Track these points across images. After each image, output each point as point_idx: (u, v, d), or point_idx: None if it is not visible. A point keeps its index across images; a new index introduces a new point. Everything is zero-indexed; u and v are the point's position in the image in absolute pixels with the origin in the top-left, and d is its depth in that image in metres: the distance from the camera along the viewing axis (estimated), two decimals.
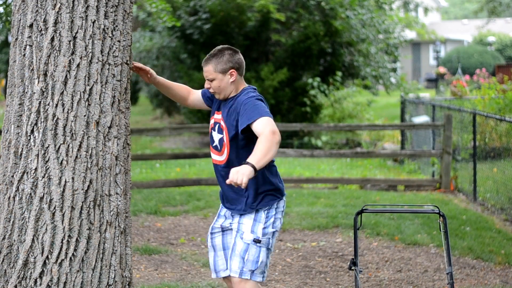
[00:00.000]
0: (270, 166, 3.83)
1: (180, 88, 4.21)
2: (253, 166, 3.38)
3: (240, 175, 3.33)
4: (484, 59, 34.45)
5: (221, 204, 4.01)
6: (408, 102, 14.78)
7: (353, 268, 3.84)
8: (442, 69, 30.68)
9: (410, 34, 31.53)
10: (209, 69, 3.80)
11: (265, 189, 3.80)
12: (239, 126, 3.67)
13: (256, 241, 3.76)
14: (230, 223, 3.91)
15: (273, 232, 3.83)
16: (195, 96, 4.16)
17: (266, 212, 3.80)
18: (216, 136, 3.86)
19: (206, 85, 3.85)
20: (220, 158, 3.84)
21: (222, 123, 3.82)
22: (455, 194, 9.91)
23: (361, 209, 4.10)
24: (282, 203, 3.89)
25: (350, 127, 12.47)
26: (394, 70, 19.51)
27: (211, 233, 3.99)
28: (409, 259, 6.16)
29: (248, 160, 3.42)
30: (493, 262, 6.13)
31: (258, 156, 3.43)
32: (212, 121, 3.92)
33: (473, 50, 35.64)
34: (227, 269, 3.93)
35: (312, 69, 16.41)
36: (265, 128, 3.54)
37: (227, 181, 3.39)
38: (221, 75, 3.78)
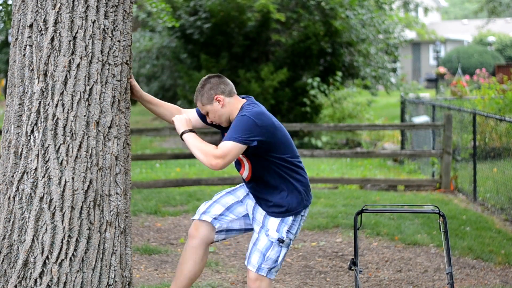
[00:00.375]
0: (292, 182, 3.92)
1: (169, 108, 4.14)
2: (182, 134, 3.77)
3: (177, 122, 3.83)
4: (484, 59, 34.44)
5: (245, 188, 4.10)
6: (408, 102, 14.78)
7: (353, 268, 3.84)
8: (442, 69, 30.68)
9: (410, 34, 31.53)
10: (199, 105, 3.92)
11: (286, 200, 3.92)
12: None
13: (280, 240, 3.88)
14: (253, 211, 4.00)
15: (294, 236, 3.97)
16: (190, 117, 4.07)
17: (293, 216, 3.92)
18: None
19: (208, 120, 3.96)
20: (243, 175, 3.97)
21: None
22: (455, 194, 9.91)
23: (361, 209, 4.10)
24: (307, 211, 4.02)
25: (350, 127, 12.47)
26: (394, 70, 19.52)
27: (227, 192, 4.10)
28: (409, 259, 6.16)
29: (192, 133, 3.77)
30: (493, 262, 6.13)
31: (193, 143, 3.72)
32: None
33: (473, 50, 35.64)
34: (213, 218, 4.01)
35: (312, 69, 16.42)
36: (217, 150, 3.67)
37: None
38: (209, 105, 3.86)
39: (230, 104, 3.85)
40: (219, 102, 3.84)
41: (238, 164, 3.99)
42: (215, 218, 4.03)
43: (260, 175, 3.88)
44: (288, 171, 3.89)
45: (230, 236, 4.13)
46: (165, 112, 4.11)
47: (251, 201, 4.05)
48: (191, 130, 3.81)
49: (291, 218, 3.91)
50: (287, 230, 3.90)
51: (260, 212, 3.97)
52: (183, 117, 3.86)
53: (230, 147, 3.65)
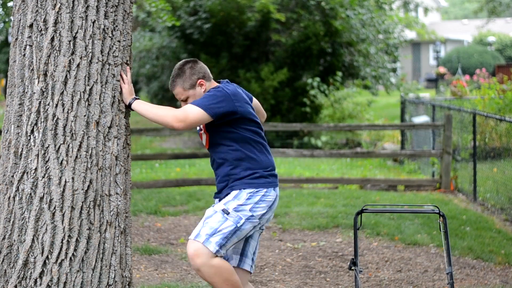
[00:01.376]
0: (248, 157, 3.79)
1: None
2: (130, 104, 3.66)
3: (123, 89, 3.64)
4: (484, 59, 34.44)
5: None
6: (408, 102, 14.78)
7: (353, 268, 3.84)
8: (442, 69, 30.68)
9: (410, 34, 31.53)
10: (179, 90, 3.83)
11: (246, 174, 3.77)
12: None
13: (225, 211, 3.70)
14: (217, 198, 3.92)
15: (249, 216, 3.72)
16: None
17: (249, 194, 3.74)
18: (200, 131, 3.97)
19: (182, 105, 3.80)
20: (203, 141, 3.93)
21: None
22: (455, 194, 9.91)
23: (361, 209, 4.10)
24: (272, 194, 3.81)
25: (350, 127, 12.47)
26: (394, 70, 19.52)
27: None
28: (409, 259, 6.16)
29: (140, 100, 3.67)
30: (493, 262, 6.13)
31: (146, 106, 3.66)
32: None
33: (473, 50, 35.63)
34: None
35: (312, 69, 16.42)
36: (179, 112, 3.65)
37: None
38: (191, 90, 3.81)
39: (209, 88, 3.84)
40: (201, 86, 3.82)
41: (203, 142, 3.94)
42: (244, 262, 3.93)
43: (215, 147, 3.83)
44: (247, 146, 3.81)
45: (250, 253, 4.00)
46: None
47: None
48: (137, 98, 3.70)
49: (243, 193, 3.72)
50: (239, 204, 3.70)
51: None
52: (129, 87, 3.69)
53: (192, 108, 3.65)
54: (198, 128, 3.92)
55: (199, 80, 3.81)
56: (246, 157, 3.78)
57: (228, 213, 3.68)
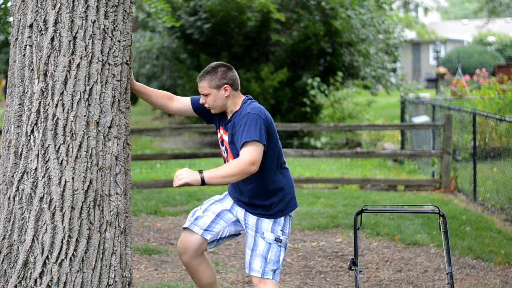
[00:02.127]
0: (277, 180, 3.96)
1: (160, 95, 4.13)
2: (202, 179, 3.65)
3: (182, 177, 3.64)
4: (484, 59, 34.44)
5: (231, 197, 4.09)
6: (408, 102, 14.78)
7: (353, 268, 3.84)
8: (442, 69, 30.67)
9: (410, 34, 31.52)
10: (204, 85, 3.90)
11: (280, 199, 3.95)
12: (237, 146, 3.81)
13: (277, 240, 3.89)
14: (245, 217, 3.99)
15: (287, 237, 3.99)
16: (181, 104, 4.11)
17: (283, 217, 3.95)
18: (224, 152, 4.02)
19: (202, 100, 3.95)
20: None
21: (226, 138, 3.95)
22: (455, 194, 9.91)
23: (361, 209, 4.10)
24: (293, 212, 4.08)
25: (350, 127, 12.47)
26: (394, 70, 19.52)
27: (215, 201, 4.08)
28: (409, 259, 6.16)
29: (205, 170, 3.69)
30: (493, 262, 6.13)
31: (218, 173, 3.69)
32: (218, 135, 4.04)
33: (473, 50, 35.63)
34: (204, 230, 4.00)
35: (312, 69, 16.42)
36: (247, 156, 3.69)
37: (175, 184, 3.67)
38: (215, 90, 3.88)
39: (232, 97, 3.91)
40: (225, 91, 3.88)
41: (225, 161, 4.02)
42: (205, 230, 4.00)
43: (254, 175, 3.84)
44: (277, 172, 3.94)
45: (222, 242, 4.13)
46: (157, 100, 4.12)
47: (239, 209, 4.04)
48: (201, 171, 3.72)
49: (282, 218, 3.94)
50: (281, 230, 3.92)
51: (252, 217, 3.97)
52: (184, 172, 3.71)
53: (255, 147, 3.71)
54: (223, 147, 3.99)
55: (226, 85, 3.88)
56: None
57: (280, 240, 3.92)
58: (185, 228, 4.05)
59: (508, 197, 8.38)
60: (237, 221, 4.07)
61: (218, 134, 4.04)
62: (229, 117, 3.95)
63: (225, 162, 3.99)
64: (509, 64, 28.55)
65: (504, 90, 13.21)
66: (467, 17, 58.43)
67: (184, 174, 3.65)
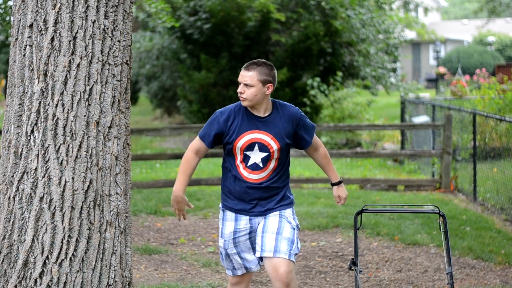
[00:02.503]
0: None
1: (194, 168, 4.13)
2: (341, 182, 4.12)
3: (345, 199, 4.11)
4: (484, 59, 34.43)
5: (231, 220, 4.00)
6: (408, 102, 14.78)
7: (353, 268, 3.84)
8: (442, 69, 30.67)
9: (410, 34, 31.52)
10: (252, 75, 3.85)
11: (289, 192, 4.10)
12: (307, 139, 4.00)
13: (296, 227, 4.00)
14: (265, 215, 3.99)
15: None
16: (201, 155, 4.10)
17: (292, 209, 4.07)
18: (257, 155, 3.91)
19: (240, 89, 3.87)
20: (257, 176, 3.92)
21: (268, 139, 3.89)
22: (455, 194, 9.91)
23: (361, 209, 4.10)
24: None
25: (350, 127, 12.46)
26: (394, 70, 19.51)
27: (234, 238, 3.97)
28: (409, 259, 6.16)
29: (337, 180, 4.10)
30: (493, 262, 6.13)
31: (335, 170, 4.14)
32: (241, 143, 3.90)
33: (473, 50, 35.62)
34: (245, 268, 4.01)
35: (312, 69, 16.41)
36: (320, 144, 4.10)
37: (341, 203, 4.09)
38: (261, 84, 3.85)
39: (267, 97, 3.92)
40: (267, 90, 3.88)
41: (261, 166, 3.92)
42: (246, 267, 4.02)
43: (280, 170, 3.95)
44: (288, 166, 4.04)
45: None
46: (194, 170, 4.15)
47: (259, 218, 3.99)
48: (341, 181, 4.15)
49: (291, 209, 4.06)
50: (294, 218, 4.03)
51: (274, 212, 4.00)
52: (343, 192, 4.15)
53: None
54: (257, 161, 3.93)
55: (271, 84, 3.89)
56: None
57: (299, 229, 4.05)
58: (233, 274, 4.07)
59: (508, 197, 8.38)
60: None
61: (243, 139, 3.90)
62: (263, 115, 3.91)
63: (245, 163, 3.90)
64: (509, 64, 28.55)
65: (504, 90, 13.20)
66: (467, 17, 58.43)
67: (345, 194, 4.13)
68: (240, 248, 3.98)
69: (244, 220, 3.96)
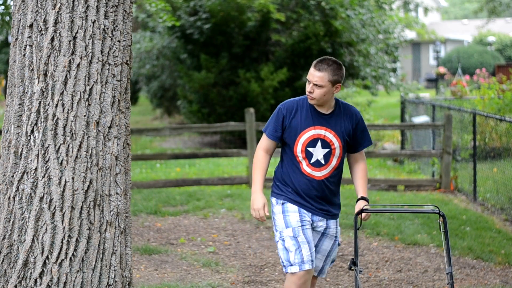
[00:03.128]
0: None
1: (267, 165, 4.03)
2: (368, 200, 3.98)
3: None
4: (484, 59, 34.44)
5: (294, 211, 3.96)
6: (408, 102, 14.78)
7: (353, 268, 3.83)
8: (442, 69, 30.67)
9: (410, 34, 31.52)
10: (323, 76, 3.81)
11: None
12: (361, 144, 4.02)
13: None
14: (327, 225, 4.01)
15: None
16: (272, 152, 4.04)
17: None
18: (319, 151, 3.90)
19: (309, 88, 3.84)
20: (320, 173, 3.93)
21: (331, 136, 3.90)
22: (455, 194, 9.91)
23: (361, 209, 4.09)
24: None
25: None
26: (394, 70, 19.51)
27: (302, 226, 3.93)
28: (409, 259, 6.16)
29: (364, 195, 3.97)
30: (493, 262, 6.13)
31: (366, 187, 4.05)
32: (303, 139, 3.88)
33: (473, 50, 35.63)
34: (311, 265, 3.96)
35: None
36: (364, 157, 4.09)
37: (365, 218, 3.91)
38: (330, 85, 3.83)
39: (333, 96, 3.93)
40: (335, 89, 3.87)
41: (323, 162, 3.92)
42: (312, 261, 3.94)
43: (338, 170, 3.98)
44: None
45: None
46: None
47: (321, 218, 4.01)
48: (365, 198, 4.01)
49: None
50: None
51: (332, 222, 4.04)
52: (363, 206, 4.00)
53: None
54: (319, 158, 3.91)
55: (340, 84, 3.88)
56: None
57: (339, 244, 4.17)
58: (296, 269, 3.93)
59: (508, 197, 8.38)
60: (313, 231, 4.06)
61: (306, 134, 3.89)
62: (327, 112, 3.91)
63: (308, 160, 3.89)
64: (509, 64, 28.54)
65: (503, 90, 13.21)
66: (467, 17, 58.43)
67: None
68: (309, 238, 3.92)
69: (306, 216, 3.97)
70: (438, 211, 3.88)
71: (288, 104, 3.94)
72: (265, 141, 3.98)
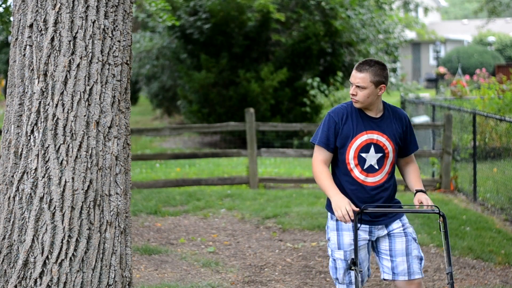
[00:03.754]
0: None
1: (329, 171, 3.94)
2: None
3: (430, 201, 3.94)
4: (484, 59, 34.44)
5: (348, 230, 3.87)
6: (408, 102, 14.78)
7: (353, 268, 3.82)
8: (442, 69, 30.67)
9: (410, 34, 31.53)
10: (365, 77, 3.73)
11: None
12: (410, 148, 3.99)
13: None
14: (389, 230, 3.95)
15: None
16: (329, 163, 3.91)
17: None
18: (373, 157, 3.81)
19: (352, 91, 3.76)
20: (374, 179, 3.85)
21: (383, 140, 3.81)
22: (455, 194, 9.91)
23: (361, 209, 4.09)
24: None
25: None
26: (394, 70, 19.52)
27: (350, 250, 3.86)
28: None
29: (420, 188, 4.06)
30: (493, 262, 6.13)
31: (420, 182, 4.10)
32: (355, 145, 3.79)
33: (473, 50, 35.63)
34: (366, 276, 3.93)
35: (312, 69, 16.41)
36: (415, 161, 4.14)
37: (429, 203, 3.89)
38: (373, 86, 3.74)
39: (380, 98, 3.83)
40: (380, 91, 3.78)
41: (377, 167, 3.85)
42: (362, 280, 3.90)
43: (392, 174, 3.97)
44: None
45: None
46: None
47: (379, 227, 3.93)
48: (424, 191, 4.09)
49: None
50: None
51: (396, 222, 3.97)
52: (426, 199, 4.01)
53: None
54: (372, 163, 3.83)
55: (384, 85, 3.78)
56: None
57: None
58: None
59: (508, 197, 8.38)
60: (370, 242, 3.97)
61: (359, 140, 3.79)
62: (376, 116, 3.83)
63: (360, 166, 3.80)
64: (509, 64, 28.54)
65: (503, 90, 13.21)
66: (467, 17, 58.43)
67: (428, 198, 3.96)
68: (361, 260, 3.87)
69: (362, 232, 3.87)
70: (438, 211, 3.88)
71: (338, 110, 3.82)
72: (319, 152, 3.83)
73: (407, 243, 3.88)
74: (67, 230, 3.48)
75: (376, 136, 3.80)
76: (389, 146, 3.82)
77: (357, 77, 3.75)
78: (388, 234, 3.92)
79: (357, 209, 3.72)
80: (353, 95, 3.77)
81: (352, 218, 3.69)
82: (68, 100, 3.50)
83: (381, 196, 3.89)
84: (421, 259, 3.90)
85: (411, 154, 4.00)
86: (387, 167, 3.87)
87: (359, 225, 3.77)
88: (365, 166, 3.81)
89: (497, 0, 31.78)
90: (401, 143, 3.90)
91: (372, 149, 3.80)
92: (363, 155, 3.80)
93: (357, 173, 3.81)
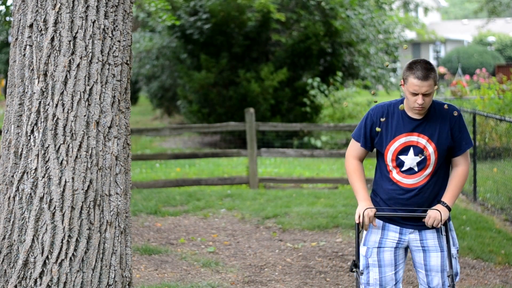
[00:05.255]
0: None
1: (363, 171, 3.85)
2: (449, 208, 3.61)
3: (437, 221, 3.59)
4: (484, 59, 34.46)
5: (378, 228, 3.77)
6: None
7: (354, 270, 3.80)
8: (442, 69, 30.66)
9: (410, 34, 31.53)
10: (431, 83, 3.53)
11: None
12: (460, 148, 3.68)
13: (457, 252, 3.78)
14: (421, 241, 3.74)
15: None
16: (363, 159, 3.83)
17: (449, 225, 3.76)
18: (412, 159, 3.65)
19: (420, 101, 3.54)
20: (411, 181, 3.67)
21: (424, 142, 3.63)
22: None
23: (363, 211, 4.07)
24: None
25: (350, 127, 12.44)
26: (394, 70, 19.52)
27: (379, 247, 3.75)
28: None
29: (445, 199, 3.63)
30: (493, 262, 6.13)
31: (455, 194, 3.66)
32: (393, 147, 3.67)
33: (473, 50, 35.65)
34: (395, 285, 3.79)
35: (312, 69, 16.41)
36: (466, 161, 3.71)
37: (428, 222, 3.59)
38: (435, 87, 3.59)
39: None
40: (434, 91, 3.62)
41: (416, 170, 3.68)
42: (381, 285, 3.78)
43: (437, 178, 3.70)
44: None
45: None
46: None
47: (412, 231, 3.75)
48: (445, 204, 3.68)
49: (450, 224, 3.76)
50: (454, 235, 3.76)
51: (430, 234, 3.73)
52: (436, 215, 3.63)
53: (469, 151, 3.73)
54: (412, 165, 3.67)
55: (437, 85, 3.61)
56: None
57: (457, 251, 3.84)
58: None
59: (508, 197, 8.38)
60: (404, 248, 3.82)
61: (397, 142, 3.66)
62: (417, 117, 3.65)
63: (399, 168, 3.67)
64: (509, 64, 28.56)
65: (503, 90, 13.21)
66: (467, 17, 58.44)
67: (437, 216, 3.58)
68: (383, 262, 3.75)
69: (392, 232, 3.74)
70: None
71: (378, 109, 3.70)
72: (353, 147, 3.76)
73: (442, 260, 3.71)
74: (67, 230, 3.48)
75: (416, 138, 3.64)
76: (430, 148, 3.63)
77: (424, 85, 3.52)
78: (423, 249, 3.75)
79: (372, 214, 3.65)
80: (421, 105, 3.56)
81: (367, 227, 3.66)
82: (68, 100, 3.50)
83: (416, 199, 3.68)
84: (456, 274, 3.74)
85: (461, 153, 3.69)
86: (428, 170, 3.65)
87: (386, 224, 3.73)
88: (404, 168, 3.68)
89: (497, 0, 31.78)
90: (450, 142, 3.66)
91: (411, 151, 3.65)
92: (402, 157, 3.66)
93: (395, 174, 3.70)
